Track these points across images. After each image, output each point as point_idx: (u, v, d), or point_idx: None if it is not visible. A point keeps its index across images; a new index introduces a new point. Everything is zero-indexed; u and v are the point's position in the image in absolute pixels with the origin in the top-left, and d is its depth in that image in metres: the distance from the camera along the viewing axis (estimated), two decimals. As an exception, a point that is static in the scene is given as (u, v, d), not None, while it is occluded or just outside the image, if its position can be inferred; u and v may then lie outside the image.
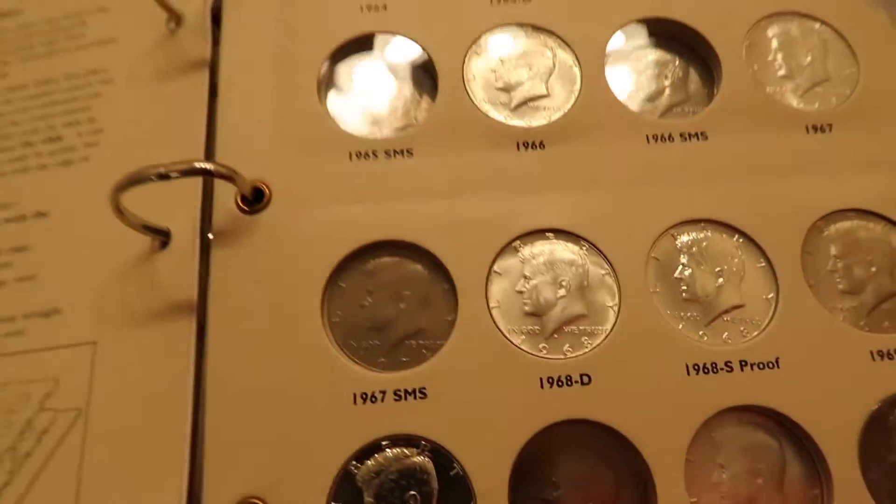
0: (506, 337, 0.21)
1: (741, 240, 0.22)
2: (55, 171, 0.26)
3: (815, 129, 0.24)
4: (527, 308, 0.21)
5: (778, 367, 0.20)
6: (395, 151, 0.23)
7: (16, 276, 0.24)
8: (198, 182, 0.23)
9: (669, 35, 0.25)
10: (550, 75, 0.24)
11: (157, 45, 0.27)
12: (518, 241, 0.22)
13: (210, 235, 0.23)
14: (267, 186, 0.23)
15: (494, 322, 0.21)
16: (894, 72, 0.24)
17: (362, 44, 0.25)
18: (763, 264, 0.22)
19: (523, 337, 0.21)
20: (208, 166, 0.22)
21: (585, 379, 0.20)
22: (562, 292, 0.21)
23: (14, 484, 0.21)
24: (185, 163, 0.22)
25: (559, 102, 0.24)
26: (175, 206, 0.24)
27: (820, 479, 0.19)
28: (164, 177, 0.21)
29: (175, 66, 0.27)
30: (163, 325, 0.22)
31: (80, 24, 0.30)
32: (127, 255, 0.23)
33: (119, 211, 0.22)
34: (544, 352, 0.21)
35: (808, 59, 0.25)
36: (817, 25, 0.25)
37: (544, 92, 0.24)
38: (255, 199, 0.23)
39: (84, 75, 0.28)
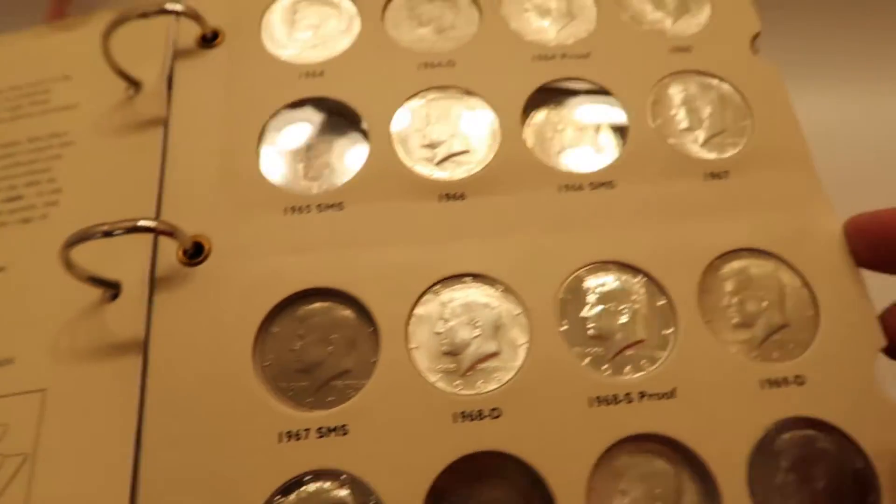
0: (423, 376, 0.22)
1: (644, 279, 0.24)
2: (14, 228, 0.28)
3: (712, 176, 0.26)
4: (444, 348, 0.23)
5: (674, 397, 0.22)
6: (326, 205, 0.25)
7: None
8: (149, 236, 0.25)
9: (582, 92, 0.28)
10: (472, 132, 0.27)
11: (115, 109, 0.30)
12: (438, 286, 0.24)
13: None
14: (207, 240, 0.24)
15: (413, 362, 0.22)
16: (783, 122, 0.27)
17: (301, 107, 0.27)
18: (663, 302, 0.24)
19: (440, 375, 0.22)
20: (150, 224, 0.24)
21: (496, 413, 0.22)
22: (476, 332, 0.23)
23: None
24: (129, 221, 0.24)
25: (480, 157, 0.26)
26: (127, 259, 0.25)
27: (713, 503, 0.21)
28: (108, 234, 0.23)
29: (132, 129, 0.29)
30: (111, 375, 0.24)
31: (44, 91, 0.31)
32: (79, 307, 0.25)
33: (68, 266, 0.23)
34: (459, 388, 0.22)
35: (707, 112, 0.27)
36: (715, 82, 0.28)
37: (466, 148, 0.26)
38: (196, 252, 0.24)
39: (46, 138, 0.30)
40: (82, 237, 0.23)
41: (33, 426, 0.23)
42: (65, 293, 0.25)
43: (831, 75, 0.67)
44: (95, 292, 0.25)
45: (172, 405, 0.22)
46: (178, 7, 0.28)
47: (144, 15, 0.27)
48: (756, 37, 0.29)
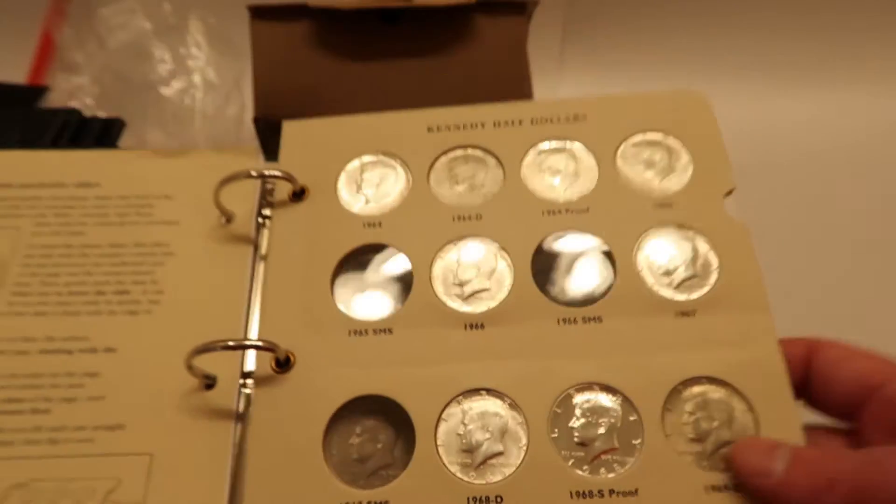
0: (446, 467, 0.30)
1: (621, 399, 0.31)
2: (122, 317, 0.34)
3: (683, 314, 0.32)
4: (463, 447, 0.30)
5: (636, 495, 0.28)
6: (380, 330, 0.33)
7: (87, 396, 0.32)
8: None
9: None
10: (493, 273, 0.34)
11: (211, 231, 0.38)
12: (461, 397, 0.31)
13: (244, 381, 0.33)
14: (293, 354, 0.33)
15: (439, 455, 0.30)
16: (747, 271, 0.33)
17: (364, 251, 0.36)
18: (634, 417, 0.30)
19: (458, 467, 0.30)
20: (259, 343, 0.33)
21: (499, 499, 0.29)
22: (487, 435, 0.30)
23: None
24: (243, 339, 0.33)
25: (498, 293, 0.34)
26: (220, 357, 0.33)
27: (662, 581, 0.27)
28: (228, 348, 0.32)
29: (224, 252, 0.37)
30: (206, 449, 0.32)
31: (148, 205, 0.38)
32: (179, 389, 0.33)
33: (190, 368, 0.32)
34: (472, 478, 0.30)
35: (682, 259, 0.34)
36: (691, 233, 0.34)
37: (488, 286, 0.34)
38: (285, 363, 0.33)
39: (150, 246, 0.36)
40: (207, 348, 0.32)
41: (143, 482, 0.30)
42: (166, 376, 0.32)
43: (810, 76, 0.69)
44: (193, 379, 0.33)
45: (265, 476, 0.30)
46: (277, 172, 0.37)
47: (250, 175, 0.37)
48: (730, 192, 0.35)
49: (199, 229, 0.37)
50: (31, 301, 0.34)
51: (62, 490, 0.30)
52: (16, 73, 0.61)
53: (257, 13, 0.46)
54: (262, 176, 0.37)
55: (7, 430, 0.31)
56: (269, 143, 0.46)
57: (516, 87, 0.48)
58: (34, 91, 0.56)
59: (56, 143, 0.44)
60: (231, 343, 0.32)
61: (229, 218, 0.38)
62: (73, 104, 0.48)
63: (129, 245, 0.37)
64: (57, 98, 0.54)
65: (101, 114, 0.47)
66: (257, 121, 0.47)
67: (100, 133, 0.46)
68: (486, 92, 0.47)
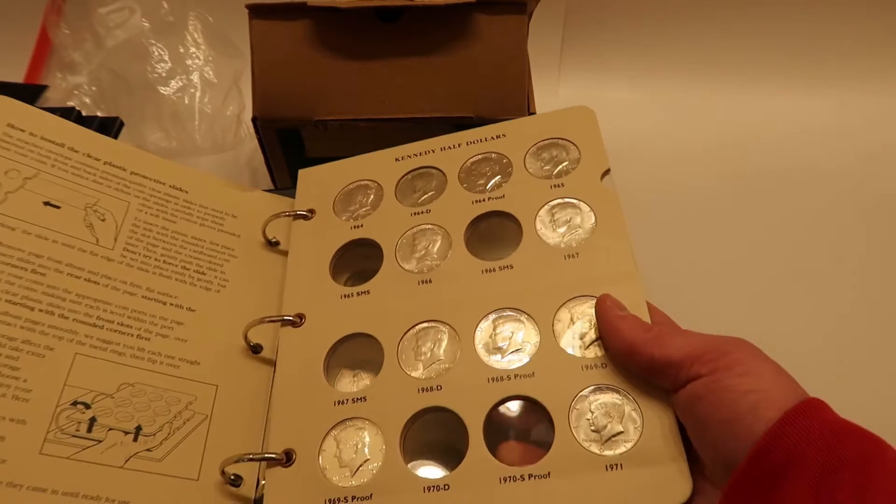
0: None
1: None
2: (199, 290, 0.42)
3: (568, 256, 0.38)
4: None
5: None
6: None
7: (175, 336, 0.40)
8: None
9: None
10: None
11: (261, 245, 0.46)
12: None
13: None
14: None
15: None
16: (617, 228, 0.35)
17: (353, 245, 0.43)
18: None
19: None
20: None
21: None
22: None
23: (166, 443, 0.36)
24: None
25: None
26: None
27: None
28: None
29: (270, 258, 0.46)
30: (251, 391, 0.40)
31: (220, 218, 0.46)
32: (236, 346, 0.41)
33: (244, 337, 0.40)
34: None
35: (567, 220, 0.38)
36: (576, 200, 0.40)
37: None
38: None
39: (220, 247, 0.45)
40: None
41: (210, 402, 0.39)
42: (228, 337, 0.41)
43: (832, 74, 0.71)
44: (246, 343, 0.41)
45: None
46: (304, 211, 0.45)
47: (287, 214, 0.45)
48: (607, 171, 0.40)
49: (254, 241, 0.47)
50: (136, 259, 0.42)
51: (158, 395, 0.38)
52: (14, 72, 0.60)
53: (256, 12, 0.46)
54: (295, 214, 0.46)
55: (121, 345, 0.39)
56: (267, 142, 0.49)
57: (516, 86, 0.48)
58: (32, 90, 0.54)
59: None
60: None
61: (274, 243, 0.47)
62: (71, 103, 0.48)
63: (206, 241, 0.45)
64: (55, 97, 0.53)
65: (100, 113, 0.48)
66: (256, 120, 0.48)
67: (97, 132, 0.46)
68: (485, 91, 0.48)
